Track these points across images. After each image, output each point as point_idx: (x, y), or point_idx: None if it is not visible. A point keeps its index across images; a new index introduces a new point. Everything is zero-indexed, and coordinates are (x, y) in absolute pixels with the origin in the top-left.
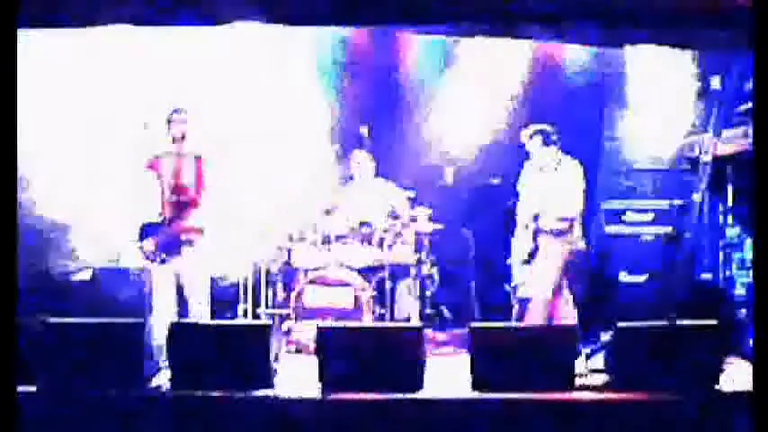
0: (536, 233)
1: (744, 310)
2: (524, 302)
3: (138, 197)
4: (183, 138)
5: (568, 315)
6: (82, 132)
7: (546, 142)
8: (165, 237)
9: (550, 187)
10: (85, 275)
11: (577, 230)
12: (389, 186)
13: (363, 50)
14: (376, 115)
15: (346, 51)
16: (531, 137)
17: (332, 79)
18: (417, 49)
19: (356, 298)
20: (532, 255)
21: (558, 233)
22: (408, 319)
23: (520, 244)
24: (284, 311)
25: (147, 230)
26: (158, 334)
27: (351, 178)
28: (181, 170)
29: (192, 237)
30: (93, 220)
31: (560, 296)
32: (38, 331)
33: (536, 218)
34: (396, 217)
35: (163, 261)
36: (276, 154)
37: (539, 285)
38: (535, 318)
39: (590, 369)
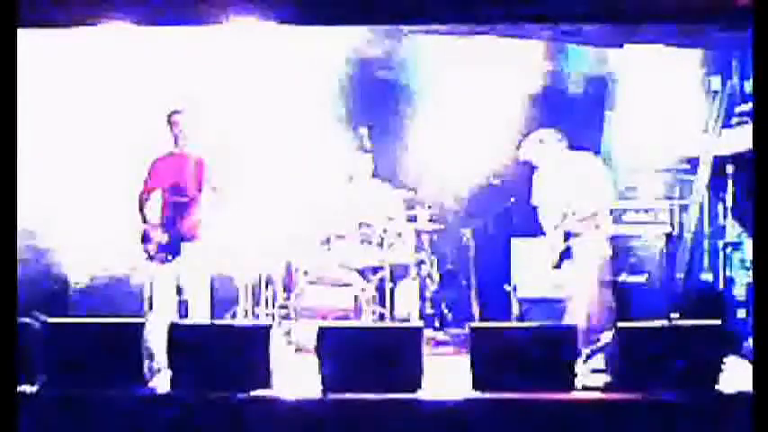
0: (567, 235)
1: (744, 310)
2: (561, 303)
3: (138, 198)
4: (183, 138)
5: (603, 313)
6: (82, 133)
7: (561, 142)
8: (166, 237)
9: (571, 185)
10: (84, 281)
11: (607, 221)
12: (387, 187)
13: (365, 50)
14: (376, 116)
15: (347, 51)
16: (540, 141)
17: (332, 79)
18: (418, 49)
19: (356, 298)
20: (564, 256)
21: (588, 228)
22: (408, 319)
23: (547, 249)
24: (284, 311)
25: (147, 231)
26: (158, 334)
27: (351, 179)
28: (181, 170)
29: (192, 237)
30: (92, 222)
31: (600, 294)
32: (38, 331)
33: (564, 218)
34: (394, 218)
35: (164, 261)
36: (277, 154)
37: (575, 286)
38: (575, 318)
39: (590, 369)
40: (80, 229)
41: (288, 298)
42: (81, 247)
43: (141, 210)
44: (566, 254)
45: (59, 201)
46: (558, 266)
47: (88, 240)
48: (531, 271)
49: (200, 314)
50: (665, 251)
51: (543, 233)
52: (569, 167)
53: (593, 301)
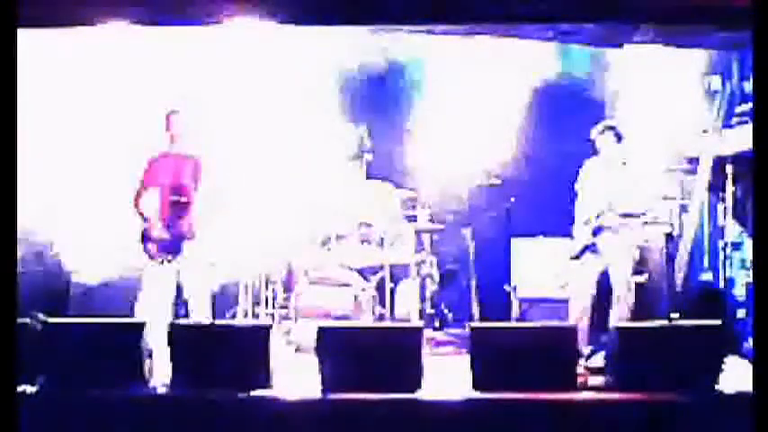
0: (596, 230)
1: (744, 310)
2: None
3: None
4: (181, 138)
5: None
6: (82, 133)
7: (618, 138)
8: (167, 237)
9: (617, 184)
10: (85, 281)
11: (640, 226)
12: (387, 187)
13: (364, 50)
14: (376, 115)
15: (347, 51)
16: (602, 132)
17: (332, 79)
18: (418, 49)
19: (356, 298)
20: (585, 250)
21: (619, 230)
22: (408, 319)
23: (575, 240)
24: (284, 311)
25: (148, 231)
26: (158, 334)
27: (351, 178)
28: (180, 171)
29: (192, 237)
30: (93, 222)
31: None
32: (38, 331)
33: (598, 216)
34: (394, 218)
35: (164, 261)
36: (276, 154)
37: (584, 283)
38: (575, 316)
39: (590, 369)
40: (80, 229)
41: (288, 298)
42: (81, 247)
43: (139, 211)
44: (589, 247)
45: (60, 200)
46: (577, 258)
47: (88, 240)
48: (532, 271)
49: (200, 314)
50: (665, 251)
51: (544, 233)
52: (620, 164)
53: (621, 298)
